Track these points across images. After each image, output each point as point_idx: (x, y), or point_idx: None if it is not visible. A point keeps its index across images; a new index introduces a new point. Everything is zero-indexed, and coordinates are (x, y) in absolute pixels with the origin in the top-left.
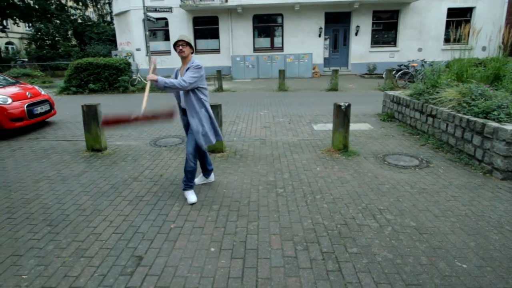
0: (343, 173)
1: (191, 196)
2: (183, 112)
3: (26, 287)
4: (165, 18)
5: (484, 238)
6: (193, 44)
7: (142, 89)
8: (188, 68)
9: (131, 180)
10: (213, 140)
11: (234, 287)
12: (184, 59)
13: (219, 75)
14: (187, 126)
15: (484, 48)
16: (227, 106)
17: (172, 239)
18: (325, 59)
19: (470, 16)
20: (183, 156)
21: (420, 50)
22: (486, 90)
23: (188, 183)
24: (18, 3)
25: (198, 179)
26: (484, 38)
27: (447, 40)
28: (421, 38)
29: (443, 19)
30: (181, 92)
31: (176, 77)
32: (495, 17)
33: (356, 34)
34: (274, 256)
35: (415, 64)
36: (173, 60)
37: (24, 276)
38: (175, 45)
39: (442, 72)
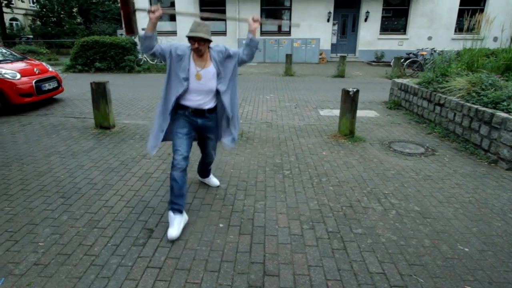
0: (349, 158)
1: (215, 179)
2: (196, 112)
3: (43, 253)
4: None
5: (486, 224)
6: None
7: (148, 70)
8: (222, 57)
9: (139, 158)
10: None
11: (243, 261)
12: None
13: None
14: (197, 129)
15: (495, 39)
16: None
17: None
18: (332, 45)
19: (484, 5)
20: None
21: (430, 38)
22: (496, 81)
23: (209, 169)
24: None
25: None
26: (496, 28)
27: (458, 29)
28: (432, 27)
29: (456, 7)
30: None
31: (187, 76)
32: (509, 7)
33: (366, 20)
34: (281, 234)
35: (424, 53)
36: (179, 41)
37: (40, 243)
38: (190, 38)
39: (452, 61)
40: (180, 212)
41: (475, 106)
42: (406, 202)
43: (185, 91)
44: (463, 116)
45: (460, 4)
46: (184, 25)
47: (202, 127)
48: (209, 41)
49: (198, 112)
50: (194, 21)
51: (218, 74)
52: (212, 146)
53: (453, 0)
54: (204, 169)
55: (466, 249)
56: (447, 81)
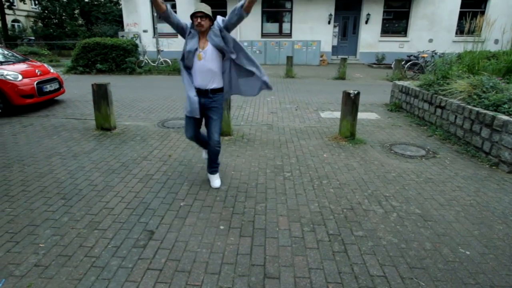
0: (350, 160)
1: (217, 180)
2: (199, 92)
3: (44, 255)
4: (172, 0)
5: (488, 228)
6: (211, 15)
7: (149, 71)
8: (217, 35)
9: (140, 159)
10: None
11: (243, 263)
12: (203, 32)
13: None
14: (202, 107)
15: (496, 41)
16: None
17: (182, 216)
18: (333, 47)
19: (485, 8)
20: None
21: (430, 41)
22: (498, 83)
23: (216, 164)
24: None
25: (205, 153)
26: (497, 31)
27: (459, 31)
28: (433, 29)
29: (457, 9)
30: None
31: (193, 54)
32: (510, 9)
33: (367, 22)
34: (281, 236)
35: (425, 55)
36: (180, 43)
37: (41, 245)
38: (193, 16)
39: (453, 64)
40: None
41: (476, 109)
42: (407, 204)
43: (191, 68)
44: (464, 118)
45: (461, 7)
46: None
47: (204, 106)
48: (210, 18)
49: (201, 92)
50: (197, 3)
51: (221, 50)
52: (214, 128)
53: (454, 2)
54: (210, 160)
55: (468, 253)
56: (448, 84)
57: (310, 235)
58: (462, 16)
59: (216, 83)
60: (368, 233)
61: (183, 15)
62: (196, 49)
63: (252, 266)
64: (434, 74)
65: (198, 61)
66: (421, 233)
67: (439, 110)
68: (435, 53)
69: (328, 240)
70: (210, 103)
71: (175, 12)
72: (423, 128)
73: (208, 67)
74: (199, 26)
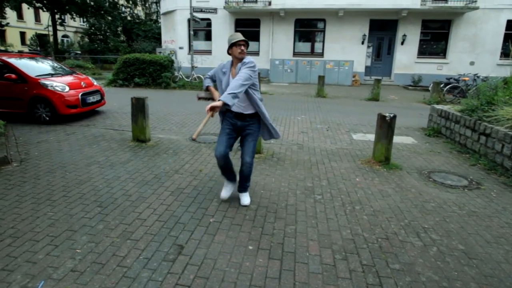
0: (384, 186)
1: (247, 198)
2: (237, 116)
3: (80, 260)
4: (208, 19)
5: None
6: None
7: (183, 86)
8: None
9: (172, 172)
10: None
11: (272, 287)
12: (239, 60)
13: (258, 77)
14: (239, 130)
15: None
16: None
17: (211, 232)
18: (366, 67)
19: None
20: None
21: (472, 63)
22: None
23: (246, 184)
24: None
25: (225, 192)
26: None
27: (503, 54)
28: (474, 51)
29: (501, 31)
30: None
31: (226, 81)
32: None
33: (402, 43)
34: (312, 262)
35: (466, 78)
36: (213, 60)
37: (78, 250)
38: (235, 44)
39: (499, 89)
40: (230, 180)
41: None
42: (449, 239)
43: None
44: None
45: (506, 29)
46: (219, 44)
47: (241, 129)
48: (248, 45)
49: (239, 115)
50: (231, 34)
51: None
52: (247, 150)
53: (498, 24)
54: (241, 179)
55: None
56: (493, 110)
57: (342, 264)
58: (507, 38)
59: (250, 109)
60: (406, 267)
61: (219, 35)
62: (227, 82)
63: None
64: (477, 99)
65: None
66: (465, 272)
67: (483, 138)
68: (478, 77)
69: (362, 271)
70: (246, 127)
71: (210, 30)
72: (465, 156)
73: None
74: (242, 54)
